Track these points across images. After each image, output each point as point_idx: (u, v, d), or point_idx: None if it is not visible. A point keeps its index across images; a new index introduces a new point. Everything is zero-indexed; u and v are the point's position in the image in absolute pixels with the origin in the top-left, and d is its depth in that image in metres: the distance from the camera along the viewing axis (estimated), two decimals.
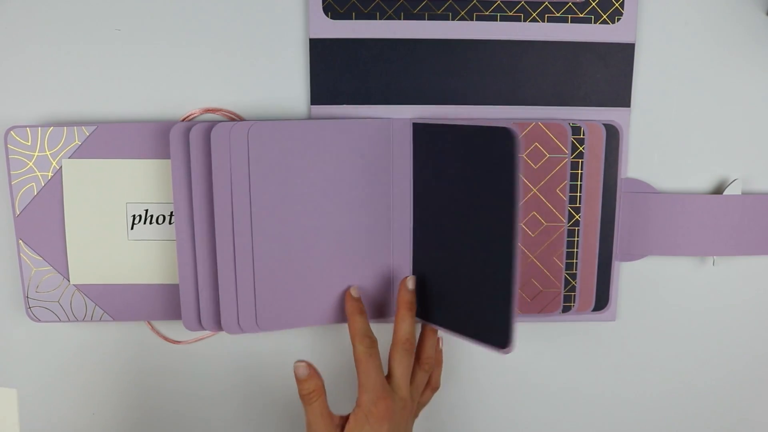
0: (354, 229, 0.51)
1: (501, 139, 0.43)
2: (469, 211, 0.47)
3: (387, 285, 0.52)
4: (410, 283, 0.51)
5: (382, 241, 0.51)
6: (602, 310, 0.54)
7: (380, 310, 0.53)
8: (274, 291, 0.50)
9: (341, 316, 0.52)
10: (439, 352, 0.53)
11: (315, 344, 0.55)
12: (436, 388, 0.53)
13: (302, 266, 0.50)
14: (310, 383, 0.48)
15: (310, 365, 0.48)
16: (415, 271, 0.52)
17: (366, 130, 0.50)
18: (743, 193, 0.53)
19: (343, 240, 0.50)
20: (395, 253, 0.52)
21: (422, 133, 0.50)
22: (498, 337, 0.46)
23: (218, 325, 0.50)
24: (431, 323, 0.51)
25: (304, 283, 0.50)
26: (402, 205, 0.51)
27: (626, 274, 0.55)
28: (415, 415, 0.50)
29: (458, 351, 0.56)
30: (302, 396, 0.48)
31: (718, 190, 0.54)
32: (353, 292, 0.51)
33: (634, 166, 0.53)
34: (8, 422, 0.55)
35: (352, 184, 0.50)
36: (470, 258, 0.47)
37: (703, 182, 0.54)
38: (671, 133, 0.53)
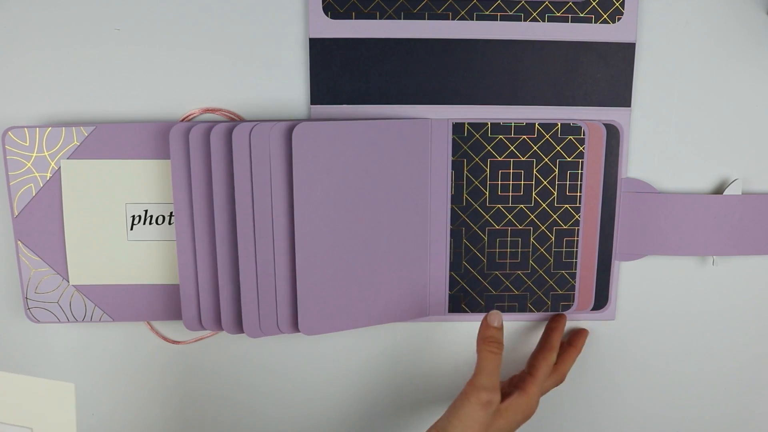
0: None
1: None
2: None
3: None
4: (496, 322, 0.49)
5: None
6: (602, 309, 0.55)
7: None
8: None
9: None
10: (570, 346, 0.54)
11: (315, 344, 0.55)
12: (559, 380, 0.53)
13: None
14: (498, 334, 0.48)
15: (501, 319, 0.49)
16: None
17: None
18: (743, 193, 0.53)
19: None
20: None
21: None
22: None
23: (218, 325, 0.50)
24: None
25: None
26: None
27: (626, 273, 0.55)
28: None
29: (456, 351, 0.56)
30: (485, 339, 0.48)
31: (718, 190, 0.54)
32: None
33: (634, 166, 0.53)
34: (66, 416, 0.56)
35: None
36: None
37: (703, 182, 0.54)
38: (671, 133, 0.53)
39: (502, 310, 0.54)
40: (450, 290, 0.54)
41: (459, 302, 0.54)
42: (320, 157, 0.48)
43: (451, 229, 0.52)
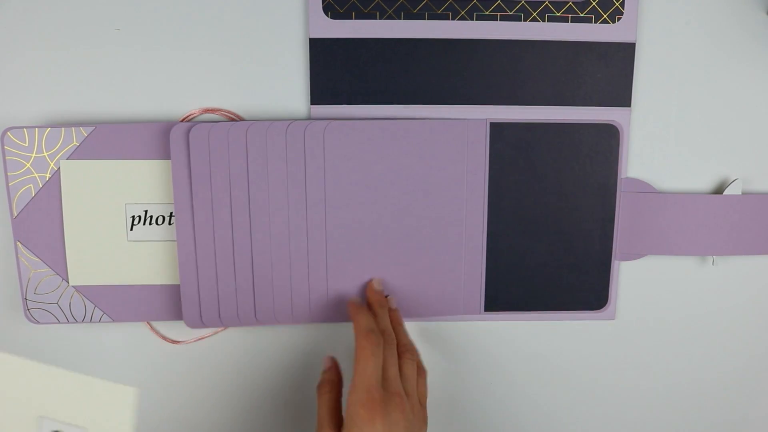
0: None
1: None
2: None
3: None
4: (376, 284, 0.51)
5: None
6: (602, 310, 0.55)
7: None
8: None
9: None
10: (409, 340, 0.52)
11: (319, 345, 0.55)
12: (425, 374, 0.50)
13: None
14: (325, 374, 0.49)
15: (332, 359, 0.50)
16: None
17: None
18: (743, 193, 0.53)
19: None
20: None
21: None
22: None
23: (219, 321, 0.51)
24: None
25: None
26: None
27: (626, 273, 0.55)
28: (423, 416, 0.48)
29: (456, 352, 0.56)
30: (317, 386, 0.49)
31: (718, 190, 0.54)
32: (354, 298, 0.51)
33: (634, 166, 0.53)
34: (123, 420, 0.56)
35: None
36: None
37: (703, 182, 0.54)
38: (671, 133, 0.53)
39: (537, 309, 0.54)
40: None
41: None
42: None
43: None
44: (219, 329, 0.54)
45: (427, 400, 0.49)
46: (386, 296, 0.52)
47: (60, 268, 0.51)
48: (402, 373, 0.47)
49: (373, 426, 0.43)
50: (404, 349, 0.48)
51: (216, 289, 0.50)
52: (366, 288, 0.52)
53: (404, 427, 0.44)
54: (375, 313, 0.50)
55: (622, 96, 0.52)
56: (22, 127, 0.49)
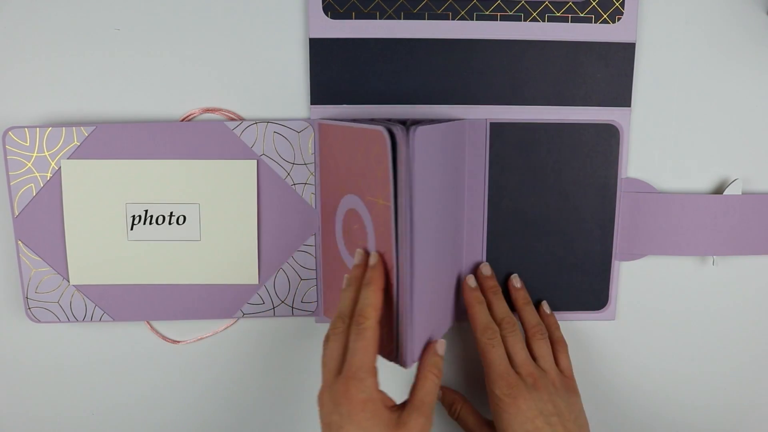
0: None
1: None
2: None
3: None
4: (485, 270, 0.52)
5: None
6: (602, 310, 0.55)
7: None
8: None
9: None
10: (548, 316, 0.53)
11: (312, 343, 0.55)
12: (565, 346, 0.52)
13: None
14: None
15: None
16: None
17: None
18: (743, 193, 0.53)
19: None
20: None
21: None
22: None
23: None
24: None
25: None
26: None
27: (626, 273, 0.55)
28: (569, 385, 0.50)
29: (456, 352, 0.56)
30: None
31: (718, 190, 0.54)
32: (470, 282, 0.51)
33: (634, 166, 0.53)
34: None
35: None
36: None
37: (703, 182, 0.54)
38: (671, 133, 0.53)
39: (537, 309, 0.54)
40: None
41: None
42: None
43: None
44: (218, 329, 0.54)
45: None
46: (510, 275, 0.53)
47: (61, 267, 0.51)
48: (534, 354, 0.50)
49: (517, 408, 0.46)
50: (533, 331, 0.51)
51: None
52: (477, 274, 0.52)
53: (549, 399, 0.47)
54: (489, 301, 0.51)
55: (622, 96, 0.52)
56: (24, 127, 0.49)
